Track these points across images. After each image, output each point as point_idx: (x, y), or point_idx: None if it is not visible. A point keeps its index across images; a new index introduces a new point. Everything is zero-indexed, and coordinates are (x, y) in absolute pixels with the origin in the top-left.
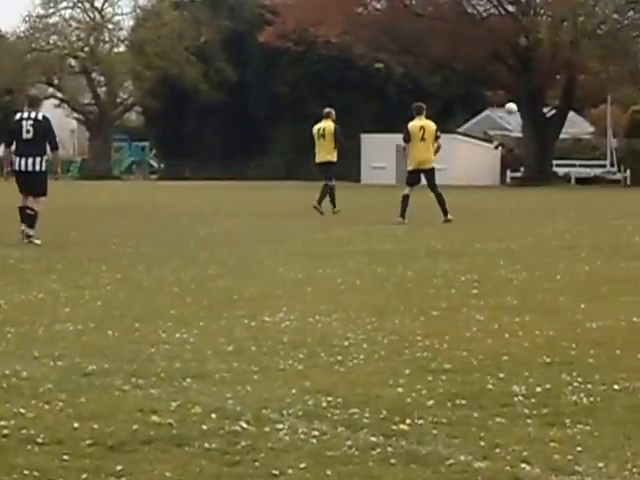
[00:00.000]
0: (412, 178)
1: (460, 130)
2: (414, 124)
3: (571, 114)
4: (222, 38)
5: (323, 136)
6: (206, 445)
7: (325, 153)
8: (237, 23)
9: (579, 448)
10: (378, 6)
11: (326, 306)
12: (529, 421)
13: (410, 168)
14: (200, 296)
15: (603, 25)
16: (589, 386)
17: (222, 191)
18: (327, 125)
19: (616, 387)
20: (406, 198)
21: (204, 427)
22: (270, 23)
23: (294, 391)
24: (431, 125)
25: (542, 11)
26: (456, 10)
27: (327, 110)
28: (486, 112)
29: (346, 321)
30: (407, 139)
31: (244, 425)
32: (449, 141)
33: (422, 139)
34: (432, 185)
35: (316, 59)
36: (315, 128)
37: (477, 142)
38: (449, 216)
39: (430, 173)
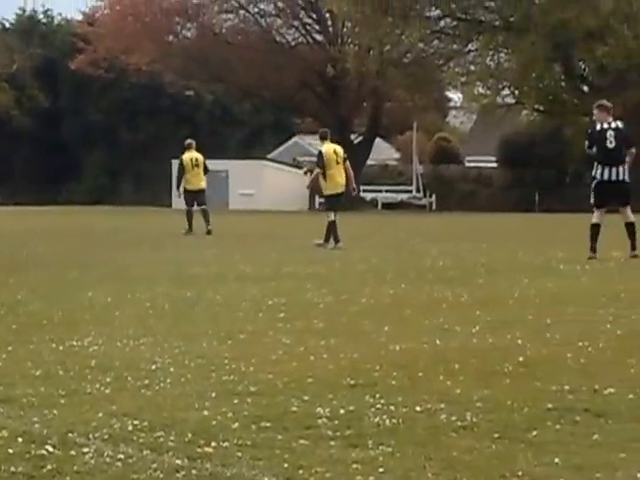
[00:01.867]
0: (334, 202)
1: (270, 156)
2: (328, 148)
3: (378, 140)
4: (34, 65)
5: (197, 165)
6: (12, 469)
7: (199, 181)
8: (49, 50)
9: (381, 469)
10: (188, 34)
11: (134, 330)
12: (332, 443)
13: (329, 192)
14: (9, 321)
15: (409, 54)
16: (392, 408)
17: (33, 216)
18: (197, 156)
19: (418, 409)
20: (333, 224)
21: (10, 451)
22: (81, 51)
23: (100, 415)
24: (340, 148)
25: (349, 40)
26: (265, 39)
27: (189, 141)
28: (295, 139)
29: (154, 345)
30: (322, 165)
31: (50, 449)
32: (259, 167)
33: (337, 162)
34: (338, 208)
35: (127, 87)
36: (187, 158)
37: (286, 168)
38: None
39: (343, 196)
